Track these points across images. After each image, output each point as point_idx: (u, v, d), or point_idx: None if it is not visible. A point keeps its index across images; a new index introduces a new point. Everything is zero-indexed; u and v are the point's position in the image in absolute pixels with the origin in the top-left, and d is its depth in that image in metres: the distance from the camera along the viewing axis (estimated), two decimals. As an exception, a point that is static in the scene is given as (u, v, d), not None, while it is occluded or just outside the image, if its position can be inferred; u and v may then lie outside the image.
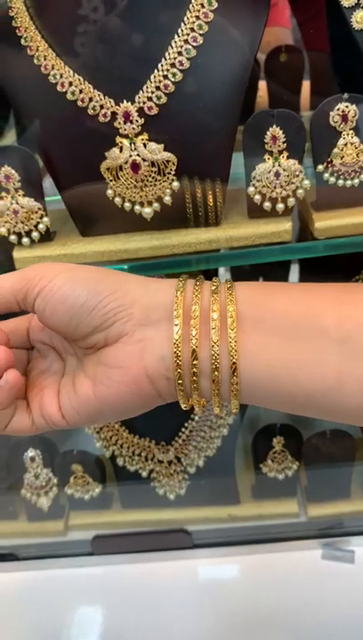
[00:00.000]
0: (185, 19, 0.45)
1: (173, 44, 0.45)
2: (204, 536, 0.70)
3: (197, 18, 0.45)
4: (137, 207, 0.50)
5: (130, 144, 0.47)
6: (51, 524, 0.72)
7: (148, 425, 0.67)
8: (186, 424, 0.65)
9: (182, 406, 0.35)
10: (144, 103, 0.46)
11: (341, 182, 0.51)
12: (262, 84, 0.74)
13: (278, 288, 0.34)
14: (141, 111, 0.46)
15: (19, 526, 0.73)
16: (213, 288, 0.33)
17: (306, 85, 0.74)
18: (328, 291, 0.33)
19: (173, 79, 0.45)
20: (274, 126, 0.48)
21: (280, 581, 0.66)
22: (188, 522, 0.71)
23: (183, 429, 0.65)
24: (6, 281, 0.34)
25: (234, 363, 0.31)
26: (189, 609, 0.65)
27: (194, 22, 0.45)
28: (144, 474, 0.68)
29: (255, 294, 0.33)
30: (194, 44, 0.45)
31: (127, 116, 0.46)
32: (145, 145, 0.47)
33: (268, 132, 0.48)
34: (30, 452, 0.69)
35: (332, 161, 0.50)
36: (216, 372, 0.32)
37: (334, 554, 0.66)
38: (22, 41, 0.48)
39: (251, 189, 0.51)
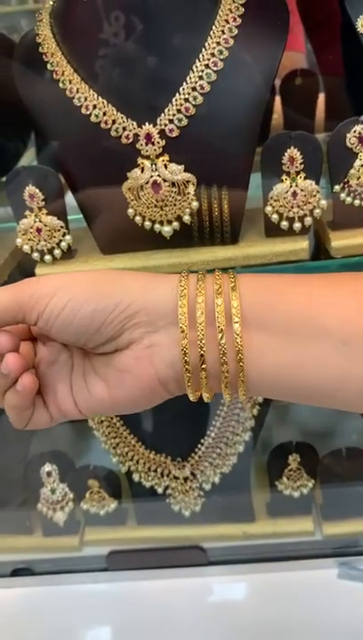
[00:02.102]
0: (206, 44, 0.47)
1: (195, 69, 0.47)
2: (219, 553, 0.70)
3: (218, 44, 0.47)
4: (157, 226, 0.51)
5: (151, 165, 0.48)
6: (66, 539, 0.72)
7: (164, 441, 0.67)
8: (202, 440, 0.66)
9: (191, 398, 0.36)
10: (166, 125, 0.47)
11: (357, 202, 0.52)
12: (278, 106, 0.75)
13: (280, 286, 0.34)
14: (162, 133, 0.47)
15: (34, 541, 0.73)
16: (217, 288, 0.33)
17: (320, 108, 0.75)
18: (331, 290, 0.33)
19: (193, 102, 0.47)
20: (292, 147, 0.49)
21: (295, 600, 0.66)
22: (202, 539, 0.71)
23: (199, 446, 0.66)
24: (0, 302, 0.34)
25: (241, 365, 0.32)
26: (203, 626, 0.65)
27: (215, 48, 0.47)
28: (160, 490, 0.68)
29: (259, 294, 0.33)
30: (215, 68, 0.47)
31: (149, 138, 0.48)
32: (166, 166, 0.48)
33: (286, 153, 0.49)
34: (47, 467, 0.70)
35: (348, 181, 0.51)
36: (225, 374, 0.33)
37: (350, 573, 0.66)
38: (48, 66, 0.50)
39: (268, 209, 0.52)
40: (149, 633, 0.65)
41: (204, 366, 0.33)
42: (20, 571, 0.72)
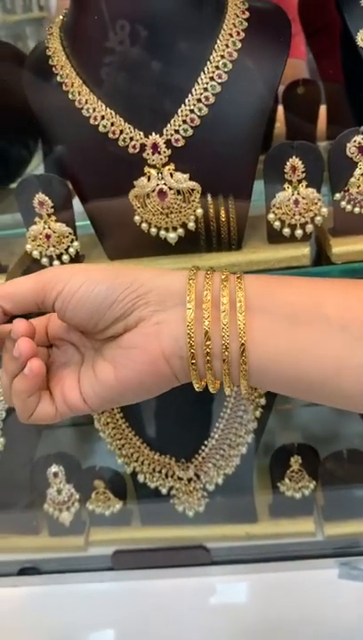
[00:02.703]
0: (211, 57, 0.49)
1: (200, 81, 0.48)
2: (222, 553, 0.71)
3: (222, 57, 0.48)
4: (162, 232, 0.53)
5: (157, 174, 0.50)
6: (72, 539, 0.73)
7: (169, 442, 0.68)
8: (206, 442, 0.67)
9: (196, 387, 0.37)
10: (171, 135, 0.49)
11: (357, 210, 0.53)
12: (280, 114, 0.77)
13: (283, 280, 0.36)
14: (168, 143, 0.49)
15: (41, 541, 0.74)
16: (223, 277, 0.36)
17: (322, 114, 0.77)
18: (332, 284, 0.35)
19: (199, 113, 0.48)
20: (294, 157, 0.51)
21: (297, 599, 0.67)
22: (206, 539, 0.72)
23: (203, 447, 0.67)
24: (24, 285, 0.36)
25: (242, 344, 0.33)
26: (206, 624, 0.66)
27: (219, 61, 0.48)
28: (164, 491, 0.70)
29: (261, 285, 0.35)
30: (219, 80, 0.48)
31: (155, 148, 0.49)
32: (171, 174, 0.50)
33: (288, 163, 0.51)
34: (53, 468, 0.71)
35: (348, 190, 0.52)
36: (226, 353, 0.34)
37: (351, 573, 0.67)
38: (58, 78, 0.51)
39: (271, 216, 0.53)
40: (154, 631, 0.66)
41: (208, 343, 0.34)
42: (27, 570, 0.73)
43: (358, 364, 0.33)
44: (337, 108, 0.75)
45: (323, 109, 0.76)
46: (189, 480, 0.69)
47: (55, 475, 0.71)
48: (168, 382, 0.37)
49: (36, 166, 0.73)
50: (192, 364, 0.35)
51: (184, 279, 0.36)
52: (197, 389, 0.37)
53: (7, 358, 0.37)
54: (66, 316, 0.36)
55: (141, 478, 0.70)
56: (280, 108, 0.77)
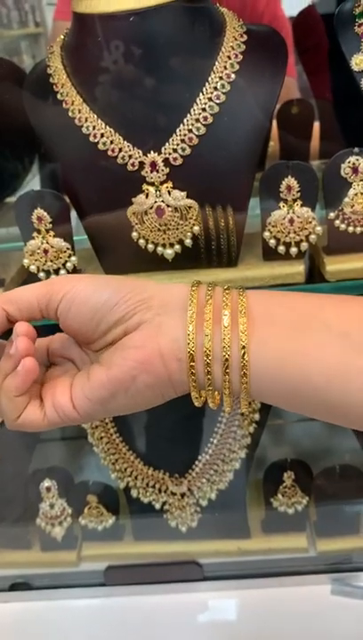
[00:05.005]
0: (209, 78, 0.50)
1: (198, 101, 0.49)
2: (215, 569, 0.71)
3: (221, 78, 0.50)
4: (159, 248, 0.54)
5: (155, 191, 0.51)
6: (64, 554, 0.73)
7: (162, 457, 0.69)
8: (200, 457, 0.67)
9: (194, 398, 0.36)
10: (170, 154, 0.50)
11: (351, 229, 0.54)
12: (274, 133, 0.78)
13: (284, 292, 0.37)
14: (166, 161, 0.50)
15: (32, 556, 0.74)
16: (225, 287, 0.36)
17: (316, 131, 0.78)
18: (330, 296, 0.36)
19: (197, 133, 0.49)
20: (289, 177, 0.52)
21: (289, 616, 0.67)
22: (198, 555, 0.72)
23: (197, 462, 0.67)
24: (29, 290, 0.37)
25: (244, 346, 0.33)
26: (200, 642, 0.66)
27: (217, 82, 0.49)
28: (157, 506, 0.70)
29: (263, 295, 0.36)
30: (217, 101, 0.49)
31: (154, 166, 0.50)
32: (169, 192, 0.51)
33: (283, 182, 0.52)
34: (46, 483, 0.71)
35: (343, 209, 0.53)
36: (227, 354, 0.33)
37: (343, 589, 0.67)
38: (59, 96, 0.52)
39: (266, 234, 0.54)
40: (146, 648, 0.66)
41: (208, 344, 0.34)
42: (18, 585, 0.73)
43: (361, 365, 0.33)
44: (330, 125, 0.76)
45: (316, 127, 0.78)
46: (183, 495, 0.69)
47: (48, 489, 0.71)
48: (162, 386, 0.36)
49: (29, 182, 0.74)
50: (191, 366, 0.34)
51: (187, 288, 0.36)
52: (195, 402, 0.36)
53: (3, 359, 0.37)
54: (68, 319, 0.36)
55: (134, 493, 0.70)
56: (274, 127, 0.78)
